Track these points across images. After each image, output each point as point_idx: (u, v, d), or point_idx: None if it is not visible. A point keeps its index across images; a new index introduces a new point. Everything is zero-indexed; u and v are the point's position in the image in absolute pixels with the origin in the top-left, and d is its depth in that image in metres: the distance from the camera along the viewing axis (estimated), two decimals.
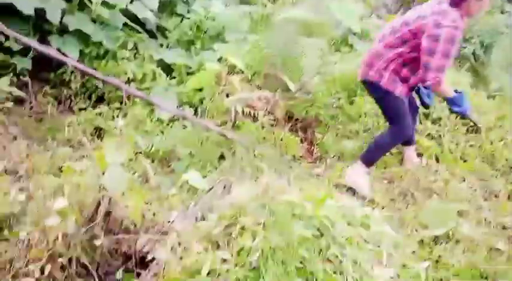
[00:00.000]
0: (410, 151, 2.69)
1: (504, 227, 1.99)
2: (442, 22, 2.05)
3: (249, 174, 2.35)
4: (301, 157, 2.95)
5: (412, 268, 1.65)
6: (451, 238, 1.94)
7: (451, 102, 2.36)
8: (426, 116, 3.00)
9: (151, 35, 3.85)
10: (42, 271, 1.58)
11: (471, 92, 3.34)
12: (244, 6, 4.01)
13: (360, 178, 2.49)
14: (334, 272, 1.52)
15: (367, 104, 3.17)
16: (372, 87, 2.45)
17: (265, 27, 3.67)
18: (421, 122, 2.95)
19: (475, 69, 4.23)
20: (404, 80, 2.34)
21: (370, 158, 2.54)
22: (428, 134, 2.84)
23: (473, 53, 4.16)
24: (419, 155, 2.78)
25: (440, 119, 2.90)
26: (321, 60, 3.45)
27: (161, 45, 3.84)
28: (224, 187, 2.25)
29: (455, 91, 2.35)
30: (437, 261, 1.83)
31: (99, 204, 1.59)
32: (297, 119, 3.13)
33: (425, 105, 2.51)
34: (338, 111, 3.19)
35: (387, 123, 2.63)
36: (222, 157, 2.70)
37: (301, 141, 3.05)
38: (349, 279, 1.50)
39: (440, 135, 2.76)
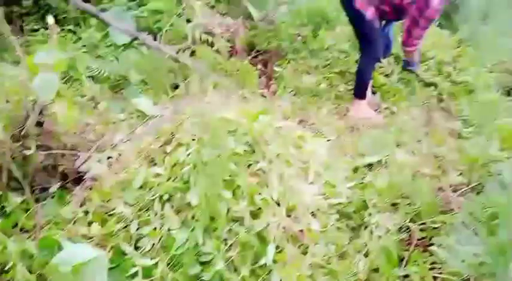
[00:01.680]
0: None
1: (436, 156, 2.09)
2: (432, 1, 2.15)
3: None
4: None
5: (336, 187, 1.73)
6: (384, 165, 2.03)
7: (408, 64, 2.59)
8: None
9: None
10: None
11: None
12: None
13: (363, 112, 2.59)
14: (260, 186, 1.59)
15: (330, 38, 3.13)
16: (346, 4, 2.42)
17: None
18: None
19: (446, 13, 4.16)
20: (380, 12, 2.35)
21: (359, 90, 2.61)
22: (383, 72, 2.85)
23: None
24: (374, 92, 2.82)
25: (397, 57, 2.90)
26: None
27: None
28: (175, 110, 2.25)
29: None
30: (367, 185, 1.92)
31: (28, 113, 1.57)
32: (258, 51, 3.07)
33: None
34: (301, 45, 3.14)
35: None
36: (177, 86, 2.68)
37: (260, 75, 3.02)
38: (273, 192, 1.58)
39: (392, 72, 2.78)
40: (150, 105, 2.45)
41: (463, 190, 1.71)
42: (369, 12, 2.31)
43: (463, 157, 1.85)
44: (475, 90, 2.65)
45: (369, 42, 2.46)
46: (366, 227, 1.74)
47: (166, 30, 2.88)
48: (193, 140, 1.69)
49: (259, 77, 3.03)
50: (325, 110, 2.71)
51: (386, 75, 2.86)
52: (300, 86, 2.93)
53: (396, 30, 2.77)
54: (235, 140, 1.65)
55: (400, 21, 2.54)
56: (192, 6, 2.92)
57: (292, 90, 2.95)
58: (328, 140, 2.42)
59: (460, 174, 1.83)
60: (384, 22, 2.53)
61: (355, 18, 2.39)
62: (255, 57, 3.07)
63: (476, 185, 1.71)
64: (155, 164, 1.73)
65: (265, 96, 2.93)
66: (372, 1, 2.29)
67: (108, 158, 1.89)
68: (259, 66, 3.06)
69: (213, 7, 3.13)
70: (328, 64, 3.01)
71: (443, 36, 3.18)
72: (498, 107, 2.48)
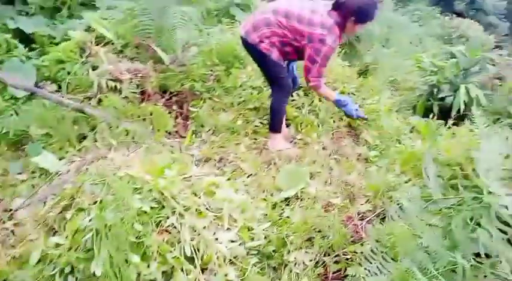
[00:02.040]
0: None
1: (346, 184, 2.20)
2: (327, 39, 2.26)
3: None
4: (176, 132, 2.90)
5: (253, 229, 1.73)
6: (299, 199, 2.08)
7: (337, 104, 2.59)
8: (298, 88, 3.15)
9: (7, 0, 3.39)
10: None
11: (343, 64, 3.60)
12: None
13: (279, 145, 2.66)
14: (172, 243, 1.53)
15: (243, 75, 3.21)
16: (252, 48, 2.48)
17: None
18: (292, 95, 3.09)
19: (350, 42, 4.54)
20: (283, 53, 2.45)
21: (274, 124, 2.68)
22: (295, 105, 2.98)
23: None
24: (288, 125, 2.93)
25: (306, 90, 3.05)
26: (198, 30, 3.38)
27: (20, 13, 3.41)
28: (78, 168, 2.12)
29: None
30: (285, 221, 1.95)
31: None
32: (171, 93, 3.04)
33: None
34: (215, 84, 3.17)
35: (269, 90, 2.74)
36: (85, 137, 2.54)
37: (176, 116, 2.99)
38: (186, 247, 1.52)
39: (303, 105, 2.92)
40: (53, 162, 2.29)
41: (370, 217, 1.80)
42: (274, 54, 2.41)
43: (368, 184, 1.96)
44: (378, 116, 2.85)
45: (278, 80, 2.56)
46: (285, 266, 1.75)
47: (70, 80, 2.74)
48: (95, 202, 1.59)
49: (176, 118, 3.00)
50: (243, 146, 2.75)
51: (298, 108, 2.99)
52: (217, 124, 2.94)
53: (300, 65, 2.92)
54: (141, 198, 1.58)
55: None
56: (97, 52, 2.83)
57: (210, 129, 2.96)
58: (248, 177, 2.46)
59: (367, 201, 1.94)
60: (287, 61, 2.65)
61: (262, 60, 2.48)
62: (169, 99, 3.04)
63: (381, 211, 1.81)
64: (55, 233, 1.60)
65: (183, 137, 2.91)
66: (274, 44, 2.40)
67: (4, 229, 1.72)
68: (175, 107, 3.03)
69: (120, 51, 3.05)
70: (243, 101, 3.07)
71: (346, 69, 3.41)
72: (399, 131, 2.71)
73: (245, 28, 2.44)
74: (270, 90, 2.71)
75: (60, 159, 2.33)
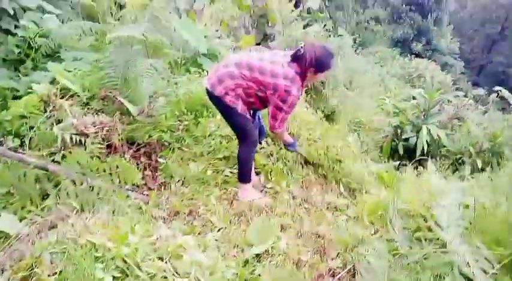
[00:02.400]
0: None
1: (318, 236, 2.19)
2: (292, 90, 2.35)
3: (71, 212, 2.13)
4: (144, 184, 2.84)
5: None
6: (270, 255, 2.05)
7: (292, 149, 2.85)
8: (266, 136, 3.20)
9: None
10: None
11: (307, 111, 3.72)
12: (87, 22, 3.73)
13: (250, 195, 2.68)
14: None
15: (212, 124, 3.23)
16: (218, 101, 2.50)
17: (107, 46, 3.48)
18: (260, 142, 3.12)
19: (316, 88, 4.71)
20: (248, 103, 2.50)
21: (243, 175, 2.69)
22: (264, 153, 3.00)
23: None
24: (258, 173, 2.94)
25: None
26: (165, 81, 3.42)
27: None
28: (39, 231, 2.01)
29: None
30: (256, 279, 1.90)
31: None
32: (139, 144, 3.00)
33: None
34: (184, 133, 3.17)
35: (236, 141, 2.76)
36: (48, 194, 2.43)
37: (145, 167, 2.94)
38: None
39: (271, 153, 2.95)
40: (13, 223, 2.17)
41: (341, 274, 1.79)
42: (239, 106, 2.46)
43: (337, 238, 1.96)
44: (345, 163, 2.92)
45: (245, 131, 2.59)
46: None
47: (33, 135, 2.66)
48: (55, 273, 1.50)
49: (144, 170, 2.95)
50: (213, 197, 2.71)
51: (267, 156, 3.02)
52: (187, 174, 2.92)
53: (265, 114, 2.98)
54: (104, 267, 1.50)
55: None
56: (62, 106, 2.78)
57: (179, 180, 2.92)
58: (219, 230, 2.41)
59: (338, 255, 1.93)
60: (252, 110, 2.71)
61: (228, 112, 2.52)
62: (137, 150, 2.99)
63: (351, 267, 1.81)
64: None
65: (152, 189, 2.85)
66: (239, 96, 2.45)
67: None
68: (143, 159, 2.99)
69: (86, 104, 3.02)
70: (213, 150, 3.08)
71: (310, 115, 3.52)
72: (365, 177, 2.77)
73: (210, 81, 2.49)
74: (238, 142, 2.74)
75: (21, 219, 2.22)
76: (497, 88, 5.67)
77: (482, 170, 4.00)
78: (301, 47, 2.39)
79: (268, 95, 2.44)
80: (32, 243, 1.89)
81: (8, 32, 3.50)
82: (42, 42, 3.44)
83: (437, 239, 1.62)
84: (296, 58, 2.42)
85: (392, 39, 16.42)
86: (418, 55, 15.10)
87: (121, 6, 4.20)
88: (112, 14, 4.05)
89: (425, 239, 1.62)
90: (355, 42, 7.92)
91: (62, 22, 3.74)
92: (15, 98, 3.11)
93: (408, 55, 13.60)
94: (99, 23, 3.92)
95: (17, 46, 3.39)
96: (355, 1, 18.24)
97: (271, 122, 2.51)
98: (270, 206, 2.56)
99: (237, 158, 2.68)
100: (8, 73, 3.30)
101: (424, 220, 1.74)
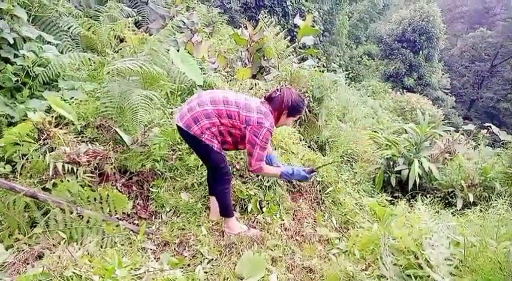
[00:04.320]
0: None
1: (311, 270, 2.16)
2: (264, 122, 2.42)
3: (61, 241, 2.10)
4: (135, 213, 2.82)
5: None
6: None
7: (285, 178, 2.67)
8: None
9: None
10: None
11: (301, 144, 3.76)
12: (86, 53, 3.82)
13: (236, 228, 2.67)
14: None
15: None
16: (194, 140, 2.51)
17: (104, 77, 3.54)
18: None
19: (309, 120, 4.78)
20: (221, 142, 2.53)
21: (224, 210, 2.68)
22: (254, 183, 3.00)
23: (307, 106, 4.69)
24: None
25: None
26: (161, 111, 3.46)
27: None
28: (25, 260, 1.97)
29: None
30: None
31: None
32: (132, 173, 3.00)
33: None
34: (176, 163, 3.17)
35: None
36: (36, 222, 2.40)
37: (136, 196, 2.92)
38: None
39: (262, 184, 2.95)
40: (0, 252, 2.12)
41: None
42: (215, 145, 2.48)
43: (328, 275, 1.94)
44: (338, 197, 2.92)
45: (220, 169, 2.58)
46: None
47: (24, 162, 2.65)
48: None
49: (136, 199, 2.93)
50: (204, 228, 2.69)
51: (259, 186, 3.02)
52: (178, 204, 2.90)
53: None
54: None
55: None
56: (56, 134, 2.80)
57: (170, 210, 2.90)
58: (208, 262, 2.37)
59: None
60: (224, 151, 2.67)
61: (204, 150, 2.51)
62: (130, 179, 2.98)
63: None
64: None
65: (143, 218, 2.82)
66: (215, 134, 2.47)
67: None
68: (135, 188, 2.97)
69: (81, 132, 3.03)
70: (205, 180, 3.06)
71: (301, 147, 3.55)
72: (357, 211, 2.77)
73: (183, 120, 2.49)
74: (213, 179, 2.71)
75: (7, 248, 2.18)
76: (487, 124, 5.79)
77: (475, 204, 4.01)
78: (279, 89, 2.50)
79: (241, 129, 2.47)
80: (17, 272, 1.85)
81: (7, 60, 3.55)
82: (40, 71, 3.49)
83: (428, 276, 1.60)
84: (270, 98, 2.52)
85: (384, 74, 16.87)
86: (410, 89, 15.46)
87: (121, 40, 4.32)
88: (111, 45, 4.15)
89: (416, 277, 1.61)
90: (348, 76, 8.13)
91: (62, 52, 3.81)
92: (10, 124, 3.12)
93: (400, 89, 13.92)
94: (98, 54, 4.01)
95: (15, 74, 3.43)
96: (349, 37, 18.87)
97: (248, 159, 2.53)
98: (261, 238, 2.53)
99: (215, 195, 2.68)
100: (5, 100, 3.32)
101: (415, 256, 1.73)
